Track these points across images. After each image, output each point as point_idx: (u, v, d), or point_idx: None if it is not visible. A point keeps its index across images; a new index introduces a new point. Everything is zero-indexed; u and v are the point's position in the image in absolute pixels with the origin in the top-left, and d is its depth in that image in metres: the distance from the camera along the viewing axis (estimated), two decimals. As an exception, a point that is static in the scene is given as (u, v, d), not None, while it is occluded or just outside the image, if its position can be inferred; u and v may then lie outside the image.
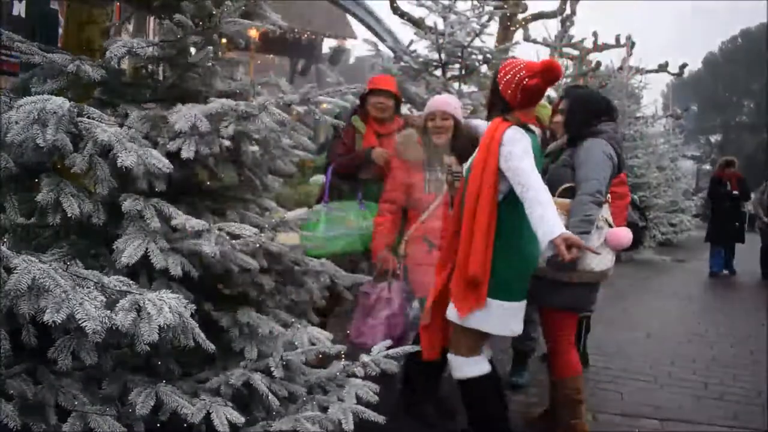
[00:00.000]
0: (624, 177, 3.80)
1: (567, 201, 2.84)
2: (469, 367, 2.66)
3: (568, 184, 2.89)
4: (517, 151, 2.40)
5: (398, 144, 3.27)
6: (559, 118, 3.17)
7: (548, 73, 2.43)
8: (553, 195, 2.59)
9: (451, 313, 2.61)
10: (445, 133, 3.19)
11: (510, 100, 2.50)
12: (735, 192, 9.03)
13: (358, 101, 3.58)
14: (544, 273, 2.79)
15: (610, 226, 2.90)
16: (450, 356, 2.72)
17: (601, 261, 2.83)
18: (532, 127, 2.61)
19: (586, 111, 2.98)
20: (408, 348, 2.38)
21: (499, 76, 2.54)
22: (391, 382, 3.16)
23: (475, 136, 2.85)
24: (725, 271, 9.32)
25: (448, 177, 3.13)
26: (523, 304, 2.67)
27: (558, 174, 2.95)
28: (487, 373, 2.68)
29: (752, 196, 9.77)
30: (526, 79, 2.44)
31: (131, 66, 2.44)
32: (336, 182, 3.60)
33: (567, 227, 2.47)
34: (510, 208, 2.51)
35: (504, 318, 2.58)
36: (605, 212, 2.89)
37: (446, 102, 3.27)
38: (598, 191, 2.78)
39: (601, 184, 2.80)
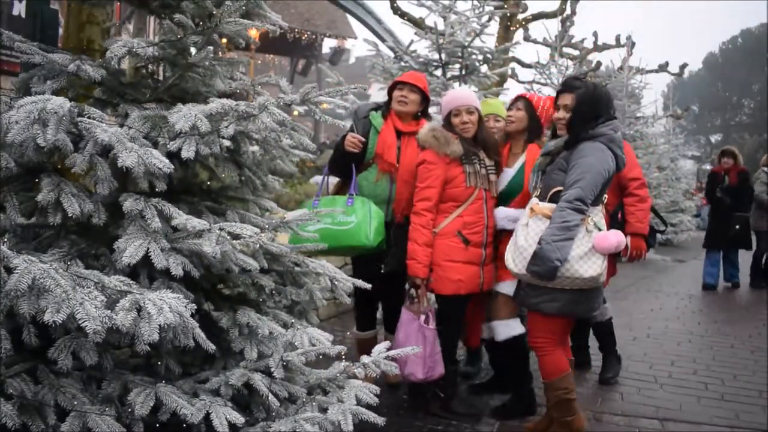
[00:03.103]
0: (644, 179, 3.74)
1: (552, 206, 2.79)
2: (516, 324, 3.29)
3: (557, 188, 2.85)
4: None
5: (431, 138, 3.15)
6: (562, 114, 3.00)
7: None
8: (546, 199, 2.90)
9: (508, 287, 3.21)
10: (473, 127, 3.21)
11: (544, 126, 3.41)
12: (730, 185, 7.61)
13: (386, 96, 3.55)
14: (534, 281, 2.79)
15: (600, 230, 2.78)
16: (498, 323, 3.31)
17: (590, 267, 2.71)
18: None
19: (589, 113, 2.86)
20: (407, 349, 2.37)
21: (539, 110, 3.36)
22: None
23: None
24: (725, 283, 8.12)
25: (482, 170, 3.20)
26: None
27: (551, 178, 2.92)
28: (524, 331, 3.25)
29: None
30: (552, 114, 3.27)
31: (131, 66, 2.44)
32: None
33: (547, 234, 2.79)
34: None
35: None
36: (597, 217, 2.81)
37: (469, 95, 3.28)
38: (578, 198, 2.72)
39: (584, 191, 2.73)
